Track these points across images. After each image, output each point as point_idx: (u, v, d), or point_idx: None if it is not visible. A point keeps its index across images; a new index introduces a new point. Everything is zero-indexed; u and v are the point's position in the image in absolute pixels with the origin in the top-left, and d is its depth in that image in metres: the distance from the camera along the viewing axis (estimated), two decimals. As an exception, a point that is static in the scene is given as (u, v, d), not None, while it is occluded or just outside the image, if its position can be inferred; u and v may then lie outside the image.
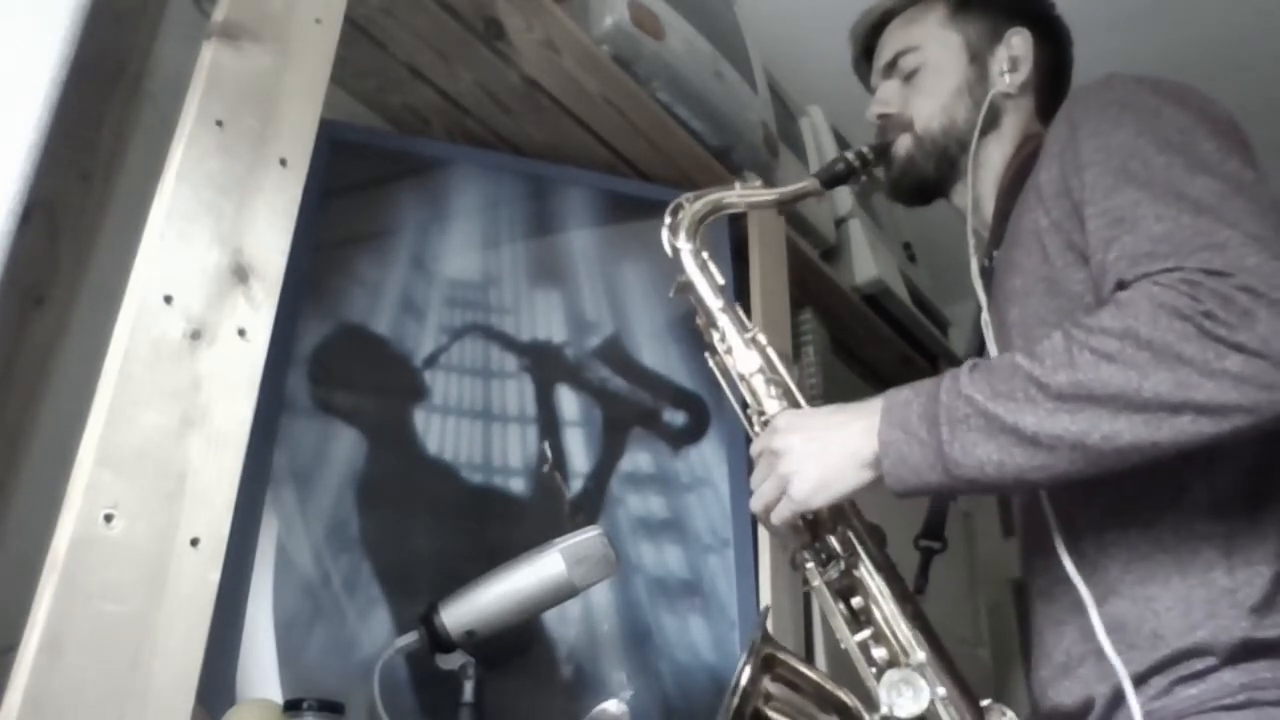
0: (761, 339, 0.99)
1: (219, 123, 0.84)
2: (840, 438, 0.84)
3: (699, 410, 1.39)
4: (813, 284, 1.81)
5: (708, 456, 1.37)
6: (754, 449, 0.92)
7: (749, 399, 0.97)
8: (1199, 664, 0.76)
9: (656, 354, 1.40)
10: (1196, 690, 0.76)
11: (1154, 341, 0.70)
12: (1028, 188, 0.96)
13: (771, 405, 0.94)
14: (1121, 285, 0.77)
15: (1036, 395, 0.73)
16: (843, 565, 0.88)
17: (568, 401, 1.31)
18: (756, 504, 0.90)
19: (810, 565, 0.90)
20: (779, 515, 0.87)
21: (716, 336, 1.00)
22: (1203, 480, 0.79)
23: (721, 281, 1.01)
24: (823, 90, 1.37)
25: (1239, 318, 0.69)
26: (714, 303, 1.00)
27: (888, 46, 1.16)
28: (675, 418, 1.38)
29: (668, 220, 1.03)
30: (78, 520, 0.67)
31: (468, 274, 1.31)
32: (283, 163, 0.88)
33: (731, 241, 1.52)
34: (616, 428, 1.33)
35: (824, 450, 0.84)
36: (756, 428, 0.96)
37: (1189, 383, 0.69)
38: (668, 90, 1.48)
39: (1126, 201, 0.80)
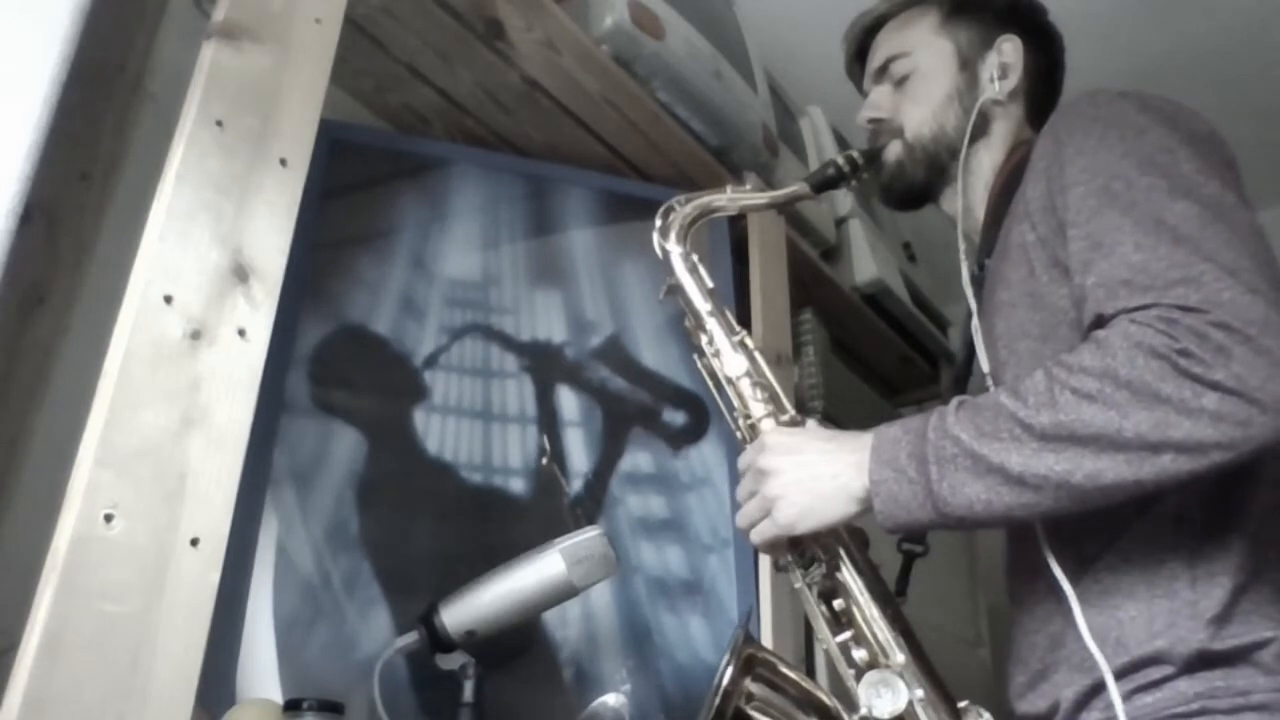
0: (749, 342, 0.99)
1: (219, 123, 0.84)
2: (831, 468, 0.84)
3: (699, 410, 1.39)
4: (813, 284, 1.81)
5: (708, 456, 1.38)
6: (742, 462, 0.92)
7: (735, 402, 0.97)
8: (1156, 673, 0.78)
9: (656, 354, 1.40)
10: (1152, 699, 0.77)
11: (1132, 381, 0.71)
12: (1016, 200, 0.96)
13: (757, 409, 0.94)
14: (1100, 319, 0.78)
15: (1021, 435, 0.74)
16: (825, 568, 0.89)
17: (568, 401, 1.31)
18: (741, 521, 0.91)
19: (794, 568, 0.90)
20: (761, 535, 0.88)
21: (705, 339, 1.00)
22: (1171, 495, 0.80)
23: (711, 284, 1.01)
24: (823, 90, 1.37)
25: (1214, 355, 0.70)
26: (702, 305, 1.00)
27: (880, 51, 1.16)
28: (675, 418, 1.38)
29: (658, 223, 1.03)
30: (78, 520, 0.67)
31: (468, 274, 1.31)
32: (283, 163, 0.88)
33: (731, 241, 1.53)
34: (616, 428, 1.33)
35: (814, 478, 0.85)
36: (743, 430, 0.96)
37: (1168, 421, 0.70)
38: (668, 90, 1.48)
39: (1107, 226, 0.80)
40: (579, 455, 1.29)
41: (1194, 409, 0.70)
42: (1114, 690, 0.78)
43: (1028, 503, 0.75)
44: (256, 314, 0.82)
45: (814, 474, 0.85)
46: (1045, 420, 0.74)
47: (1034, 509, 0.75)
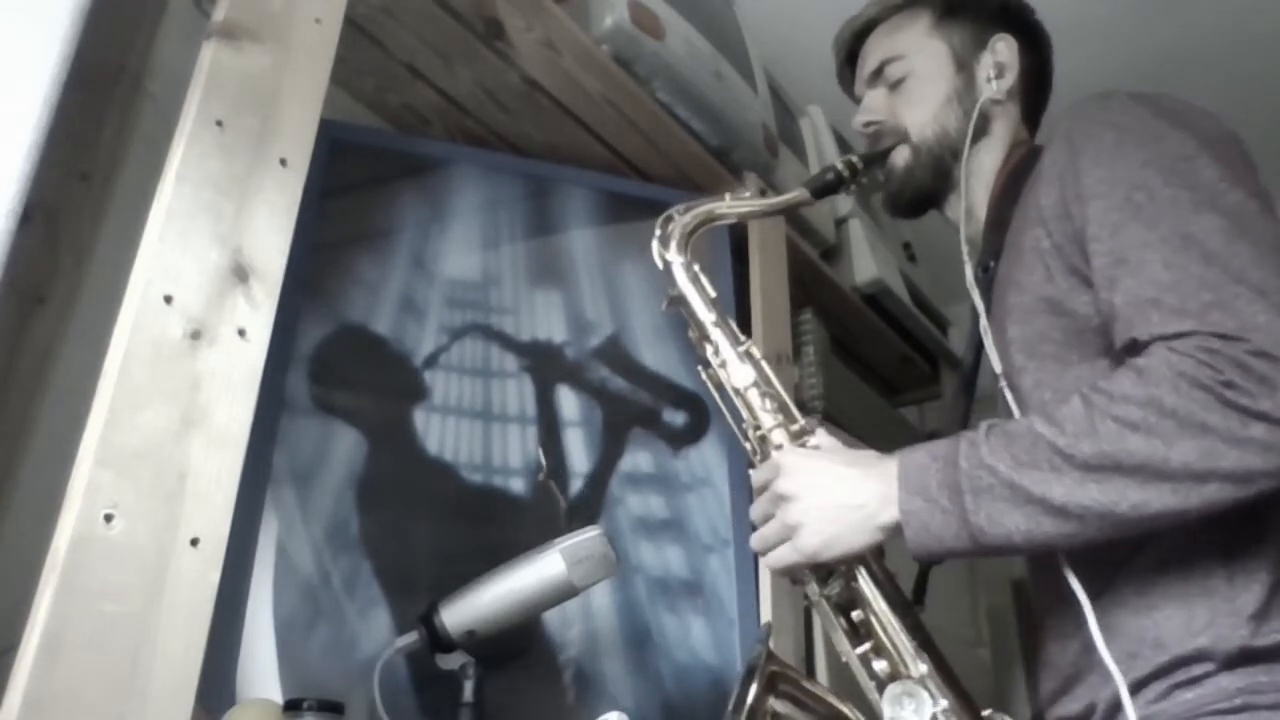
0: (755, 352, 0.97)
1: (219, 123, 0.84)
2: (855, 498, 0.83)
3: (699, 410, 1.39)
4: (813, 284, 1.81)
5: (708, 456, 1.37)
6: (756, 480, 0.91)
7: (744, 413, 0.96)
8: (1197, 669, 0.77)
9: (656, 354, 1.40)
10: (1193, 695, 0.77)
11: (1178, 410, 0.71)
12: (1027, 204, 0.96)
13: (767, 420, 0.93)
14: (1135, 344, 0.77)
15: (1062, 465, 0.74)
16: (842, 579, 0.87)
17: (568, 401, 1.31)
18: (756, 544, 0.89)
19: (810, 580, 0.89)
20: (779, 560, 0.87)
21: (710, 350, 0.98)
22: None
23: (714, 294, 1.00)
24: (823, 90, 1.37)
25: (1258, 385, 0.70)
26: (706, 316, 0.99)
27: (872, 55, 1.16)
28: (675, 418, 1.38)
29: (658, 233, 1.02)
30: (78, 520, 0.67)
31: (468, 274, 1.31)
32: (283, 163, 0.88)
33: (731, 242, 1.53)
34: (616, 428, 1.33)
35: (837, 507, 0.83)
36: (752, 442, 0.95)
37: (1215, 451, 0.70)
38: (668, 90, 1.48)
39: (1133, 241, 0.80)
40: (579, 455, 1.28)
41: (1242, 438, 0.70)
42: (1128, 704, 0.78)
43: (1070, 533, 0.74)
44: (256, 314, 0.82)
45: (837, 503, 0.83)
46: (1087, 450, 0.73)
47: (1075, 539, 0.75)
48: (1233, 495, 0.71)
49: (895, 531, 0.81)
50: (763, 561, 0.90)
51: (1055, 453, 0.74)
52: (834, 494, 0.84)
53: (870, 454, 0.86)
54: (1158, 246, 0.78)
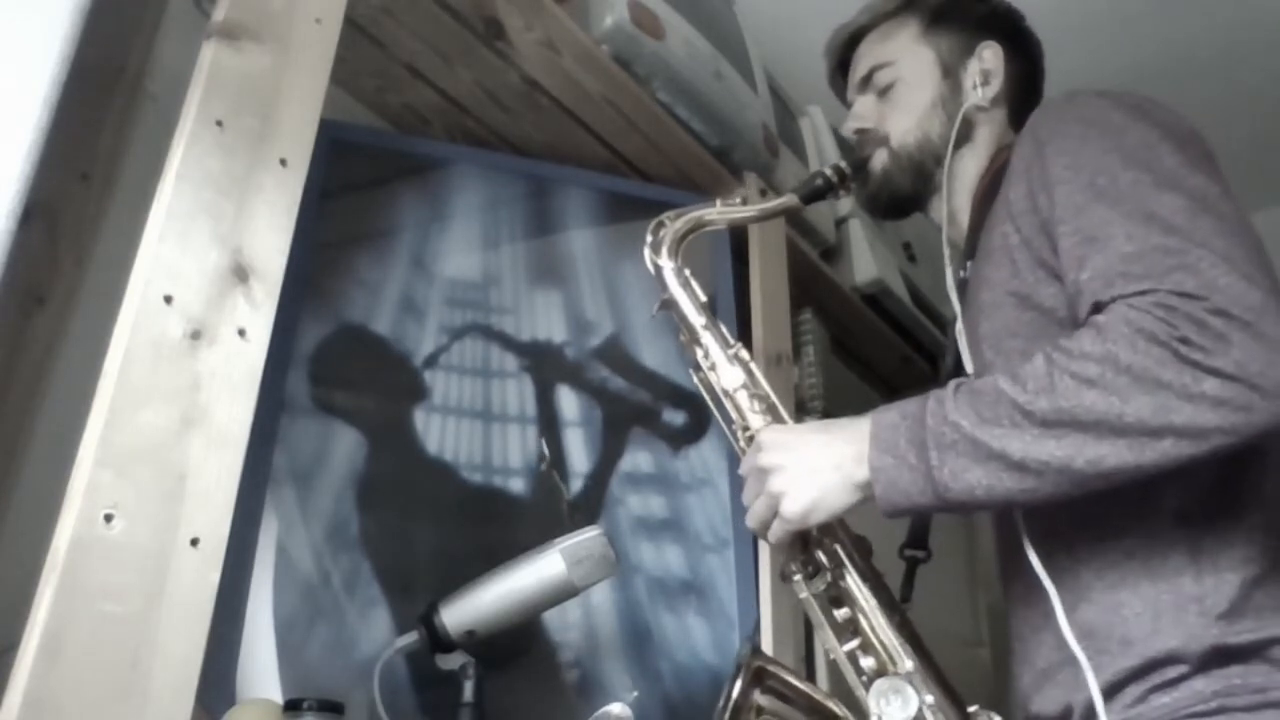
0: (744, 355, 1.00)
1: (219, 123, 0.84)
2: (830, 459, 0.84)
3: (699, 410, 1.39)
4: (813, 284, 1.81)
5: (708, 456, 1.37)
6: (743, 467, 0.93)
7: (734, 415, 0.98)
8: (1172, 672, 0.77)
9: (656, 354, 1.40)
10: (1170, 699, 0.77)
11: (1133, 366, 0.72)
12: (997, 202, 0.97)
13: (756, 420, 0.95)
14: (1098, 306, 0.78)
15: (1021, 421, 0.75)
16: (829, 577, 0.89)
17: (568, 401, 1.31)
18: (752, 522, 0.91)
19: (798, 578, 0.90)
20: (774, 534, 0.88)
21: (700, 353, 1.01)
22: (1170, 488, 0.80)
23: (704, 298, 1.02)
24: (823, 90, 1.38)
25: (1214, 341, 0.70)
26: (697, 320, 1.01)
27: (862, 61, 1.17)
28: (675, 418, 1.38)
29: (649, 239, 1.04)
30: (78, 520, 0.67)
31: (468, 274, 1.31)
32: (283, 163, 0.88)
33: (732, 242, 1.53)
34: (616, 428, 1.33)
35: (814, 470, 0.85)
36: (742, 443, 0.97)
37: (1169, 406, 0.71)
38: (668, 90, 1.48)
39: (1097, 220, 0.81)
40: (579, 455, 1.28)
41: (1195, 394, 0.70)
42: (1098, 699, 0.78)
43: (1029, 488, 0.75)
44: (256, 314, 0.82)
45: (814, 466, 0.85)
46: (1045, 406, 0.74)
47: (1035, 494, 0.76)
48: (1187, 452, 0.71)
49: (870, 490, 0.82)
50: (763, 540, 0.91)
51: (1016, 409, 0.75)
52: (811, 459, 0.85)
53: (847, 419, 0.87)
54: (1121, 223, 0.79)
